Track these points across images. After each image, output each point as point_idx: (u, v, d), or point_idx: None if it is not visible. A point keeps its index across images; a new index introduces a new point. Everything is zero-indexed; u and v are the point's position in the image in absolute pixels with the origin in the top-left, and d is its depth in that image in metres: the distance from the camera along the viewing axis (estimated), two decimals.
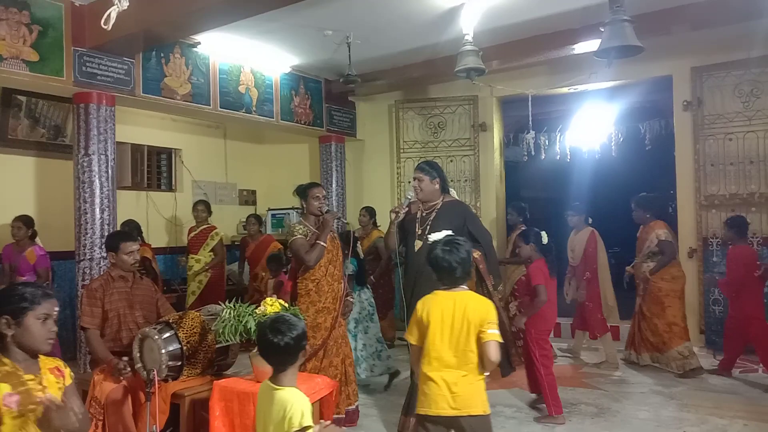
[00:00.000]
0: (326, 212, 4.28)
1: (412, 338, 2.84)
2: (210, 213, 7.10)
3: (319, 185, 4.45)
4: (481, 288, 3.94)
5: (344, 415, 4.26)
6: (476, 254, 3.84)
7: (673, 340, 5.55)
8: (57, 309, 2.25)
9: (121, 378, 3.45)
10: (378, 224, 7.19)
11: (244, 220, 8.65)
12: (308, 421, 2.26)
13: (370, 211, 7.18)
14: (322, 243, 4.16)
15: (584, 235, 6.11)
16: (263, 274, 6.88)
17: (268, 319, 2.52)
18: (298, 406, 2.27)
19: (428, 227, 3.95)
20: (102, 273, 4.51)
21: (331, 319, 4.22)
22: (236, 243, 8.21)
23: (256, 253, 7.28)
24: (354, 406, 4.37)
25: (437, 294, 2.83)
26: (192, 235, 7.03)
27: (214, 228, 6.99)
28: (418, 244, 3.99)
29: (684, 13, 5.51)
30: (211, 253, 6.91)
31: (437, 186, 4.05)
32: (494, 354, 2.66)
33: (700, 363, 5.55)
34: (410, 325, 2.87)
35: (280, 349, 2.35)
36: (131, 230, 5.91)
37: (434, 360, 2.73)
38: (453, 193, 4.31)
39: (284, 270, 6.14)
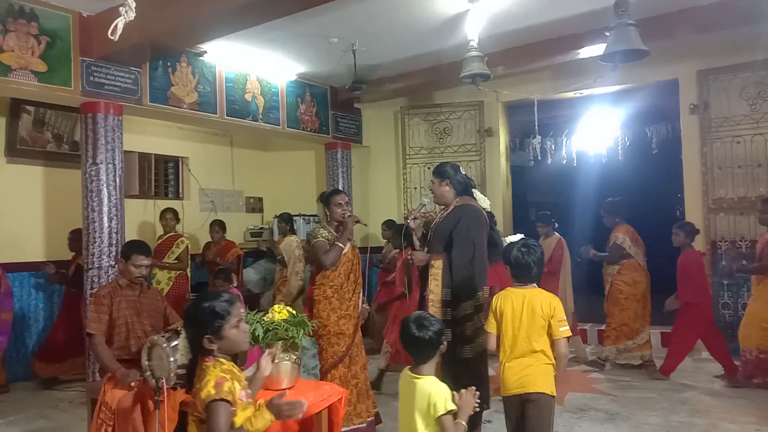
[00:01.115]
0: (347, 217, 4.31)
1: (490, 328, 3.15)
2: (178, 221, 7.01)
3: (341, 192, 4.47)
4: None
5: (373, 418, 4.29)
6: (435, 261, 3.69)
7: (620, 338, 5.94)
8: (243, 309, 2.42)
9: (132, 385, 3.46)
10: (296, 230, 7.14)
11: (253, 227, 8.70)
12: (451, 405, 2.52)
13: (285, 218, 7.29)
14: (340, 245, 4.18)
15: (552, 242, 6.42)
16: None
17: (411, 316, 2.73)
18: (441, 393, 2.54)
19: (431, 234, 3.85)
20: (110, 281, 4.52)
21: (352, 325, 4.26)
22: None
23: (214, 261, 7.15)
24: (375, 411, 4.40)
25: (510, 290, 3.12)
26: (158, 242, 6.88)
27: (181, 236, 6.90)
28: (424, 250, 3.94)
29: (689, 17, 5.51)
30: (177, 261, 6.76)
31: (447, 188, 3.82)
32: (563, 350, 2.99)
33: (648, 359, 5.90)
34: (489, 317, 3.18)
35: (426, 342, 2.61)
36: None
37: (507, 348, 3.06)
38: (478, 195, 3.98)
39: (233, 285, 5.88)
